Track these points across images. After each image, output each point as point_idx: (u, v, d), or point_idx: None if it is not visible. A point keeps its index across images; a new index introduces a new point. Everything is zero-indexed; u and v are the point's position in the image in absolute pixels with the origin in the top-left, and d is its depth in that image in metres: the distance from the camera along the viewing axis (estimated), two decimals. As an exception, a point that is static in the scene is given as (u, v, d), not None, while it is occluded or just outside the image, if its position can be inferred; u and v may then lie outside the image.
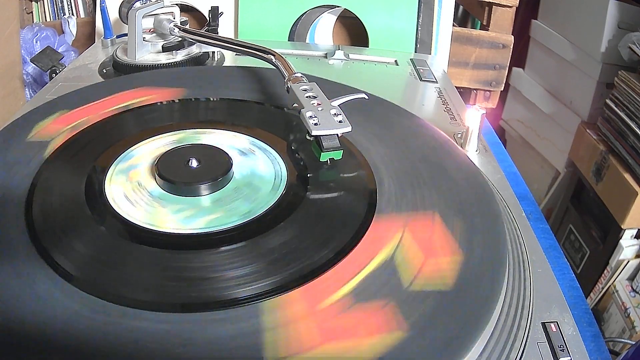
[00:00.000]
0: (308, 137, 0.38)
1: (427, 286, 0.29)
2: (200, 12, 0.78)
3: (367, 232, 0.32)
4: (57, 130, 0.42)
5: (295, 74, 0.45)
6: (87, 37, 0.89)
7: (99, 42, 0.70)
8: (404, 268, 0.30)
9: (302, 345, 0.25)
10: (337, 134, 0.38)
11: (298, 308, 0.27)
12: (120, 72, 0.59)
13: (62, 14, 0.90)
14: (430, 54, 0.76)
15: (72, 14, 0.91)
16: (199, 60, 0.62)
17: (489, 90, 0.85)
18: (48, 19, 0.91)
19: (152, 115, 0.46)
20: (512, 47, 0.81)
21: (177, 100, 0.48)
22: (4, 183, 0.36)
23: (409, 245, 0.32)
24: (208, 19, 0.67)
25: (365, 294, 0.28)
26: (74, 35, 0.88)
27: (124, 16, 0.63)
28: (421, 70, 0.67)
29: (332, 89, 0.44)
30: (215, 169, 0.37)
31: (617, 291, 0.84)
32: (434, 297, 0.28)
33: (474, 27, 1.06)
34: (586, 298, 0.75)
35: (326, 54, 0.70)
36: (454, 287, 0.29)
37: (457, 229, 0.33)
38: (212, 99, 0.48)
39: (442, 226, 0.33)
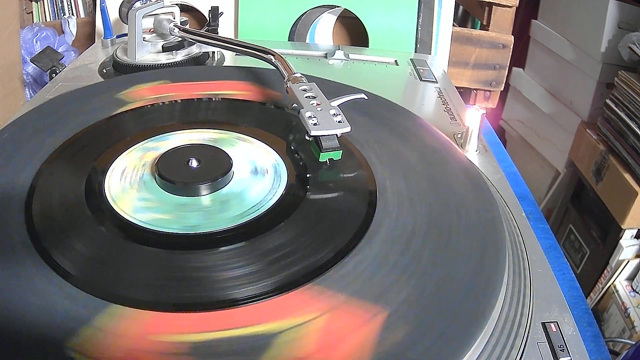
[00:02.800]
0: (307, 138, 0.38)
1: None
2: (200, 12, 0.78)
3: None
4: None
5: (295, 74, 0.45)
6: (87, 37, 0.89)
7: (99, 42, 0.70)
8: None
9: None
10: (337, 134, 0.38)
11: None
12: (120, 72, 0.59)
13: (62, 14, 0.90)
14: (430, 54, 0.76)
15: (72, 14, 0.91)
16: (198, 60, 0.62)
17: (489, 90, 0.85)
18: (48, 19, 0.91)
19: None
20: (512, 47, 0.81)
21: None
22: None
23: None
24: (208, 19, 0.67)
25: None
26: (74, 35, 0.88)
27: (124, 16, 0.63)
28: (421, 70, 0.67)
29: (331, 89, 0.44)
30: (215, 169, 0.37)
31: (617, 291, 0.84)
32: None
33: (474, 27, 1.06)
34: (586, 298, 0.75)
35: (326, 54, 0.70)
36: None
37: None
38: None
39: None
